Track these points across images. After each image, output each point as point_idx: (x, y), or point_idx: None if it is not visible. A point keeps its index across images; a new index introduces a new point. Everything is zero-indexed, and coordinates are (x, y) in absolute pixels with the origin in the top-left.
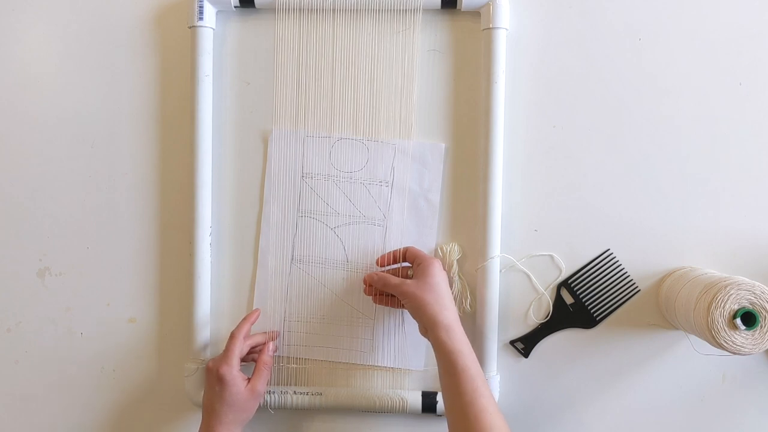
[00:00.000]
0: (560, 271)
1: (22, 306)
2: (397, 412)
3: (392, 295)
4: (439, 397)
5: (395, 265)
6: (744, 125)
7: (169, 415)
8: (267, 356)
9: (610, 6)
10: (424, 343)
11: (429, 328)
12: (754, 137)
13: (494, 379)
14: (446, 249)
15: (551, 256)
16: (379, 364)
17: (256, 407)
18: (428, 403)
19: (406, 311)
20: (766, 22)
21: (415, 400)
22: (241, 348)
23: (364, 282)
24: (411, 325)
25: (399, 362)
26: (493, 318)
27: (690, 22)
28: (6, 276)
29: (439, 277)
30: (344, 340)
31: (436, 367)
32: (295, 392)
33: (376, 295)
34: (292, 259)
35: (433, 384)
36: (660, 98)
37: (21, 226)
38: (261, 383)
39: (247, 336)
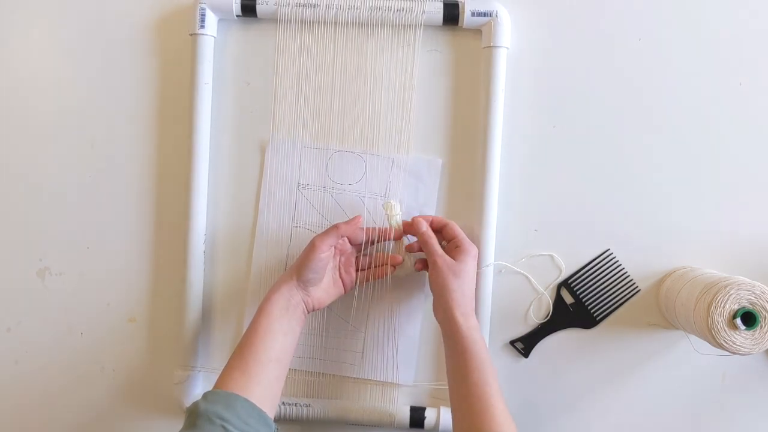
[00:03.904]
0: (560, 271)
1: (22, 306)
2: (385, 426)
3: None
4: (428, 413)
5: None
6: (744, 125)
7: (170, 415)
8: (343, 222)
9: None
10: (414, 358)
11: (445, 309)
12: (754, 137)
13: None
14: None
15: (551, 256)
16: (369, 378)
17: (312, 265)
18: (416, 418)
19: (397, 325)
20: (766, 22)
21: (404, 414)
22: (343, 231)
23: (411, 223)
24: (401, 338)
25: (388, 376)
26: (484, 326)
27: (690, 23)
28: (6, 276)
29: (471, 265)
30: (334, 352)
31: (425, 383)
32: (283, 403)
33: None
34: (286, 269)
35: (422, 399)
36: (660, 98)
37: (21, 226)
38: (319, 237)
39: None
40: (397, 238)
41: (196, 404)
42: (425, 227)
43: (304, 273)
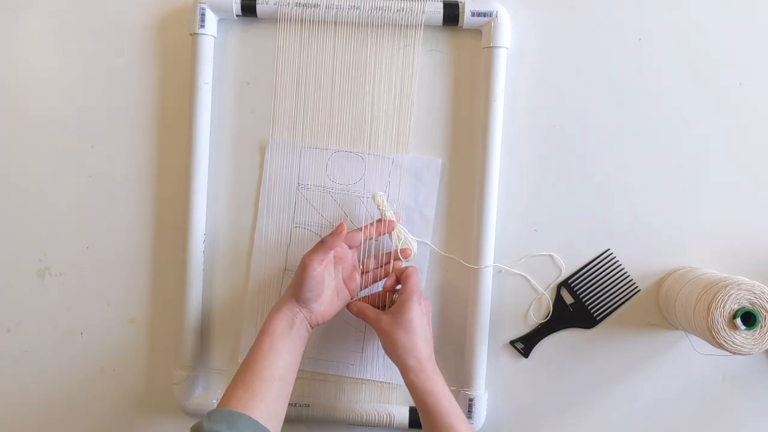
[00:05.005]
0: (560, 271)
1: (22, 306)
2: (384, 426)
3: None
4: None
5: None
6: (744, 125)
7: (169, 415)
8: (328, 234)
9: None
10: None
11: (399, 368)
12: (754, 137)
13: (481, 398)
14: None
15: (551, 256)
16: (368, 378)
17: (307, 284)
18: (415, 419)
19: None
20: (766, 22)
21: (402, 415)
22: (330, 243)
23: (348, 308)
24: None
25: (387, 376)
26: (483, 333)
27: (690, 23)
28: (6, 276)
29: (414, 313)
30: (333, 352)
31: None
32: None
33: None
34: (285, 269)
35: None
36: (660, 98)
37: (21, 226)
38: (308, 255)
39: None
40: (392, 229)
41: (200, 423)
42: (354, 309)
43: (301, 293)
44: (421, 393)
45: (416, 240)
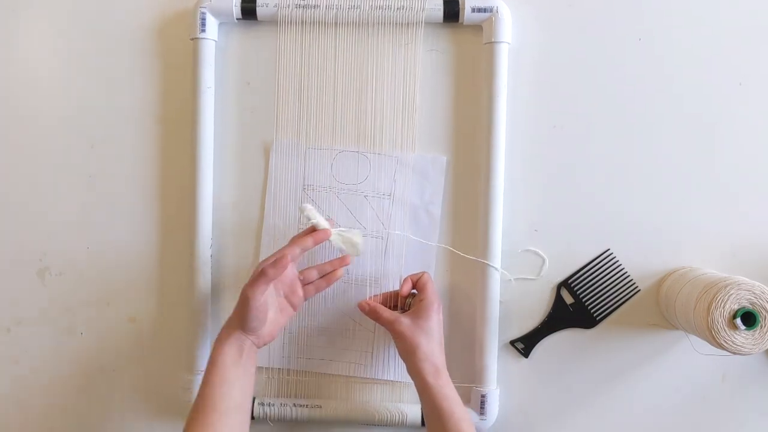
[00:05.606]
0: (560, 271)
1: (22, 306)
2: (396, 425)
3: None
4: None
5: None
6: (744, 125)
7: (169, 416)
8: (269, 264)
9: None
10: None
11: (416, 371)
12: (754, 137)
13: (493, 394)
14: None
15: (551, 256)
16: (379, 377)
17: (251, 316)
18: None
19: None
20: (767, 22)
21: (414, 413)
22: (272, 275)
23: (360, 308)
24: None
25: (398, 375)
26: (493, 329)
27: (690, 22)
28: (6, 276)
29: (434, 320)
30: (344, 352)
31: None
32: (294, 404)
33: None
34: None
35: None
36: (660, 98)
37: (21, 226)
38: (249, 287)
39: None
40: (328, 236)
41: None
42: (367, 308)
43: (246, 324)
44: (437, 397)
45: (360, 233)
